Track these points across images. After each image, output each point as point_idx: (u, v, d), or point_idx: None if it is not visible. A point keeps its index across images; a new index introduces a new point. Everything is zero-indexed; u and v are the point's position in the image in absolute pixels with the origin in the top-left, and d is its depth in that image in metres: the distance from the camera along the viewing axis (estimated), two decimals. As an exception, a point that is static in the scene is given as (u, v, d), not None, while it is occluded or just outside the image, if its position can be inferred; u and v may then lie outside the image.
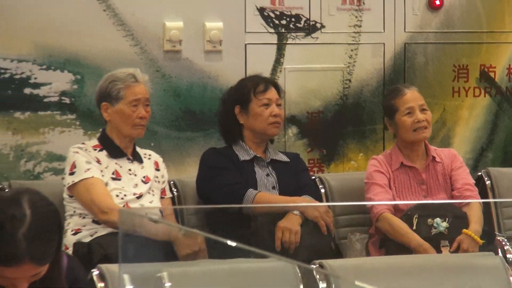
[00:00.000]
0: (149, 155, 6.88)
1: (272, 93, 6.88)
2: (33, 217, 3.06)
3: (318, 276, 5.03)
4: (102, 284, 4.77)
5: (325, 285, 4.94)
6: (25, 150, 7.80)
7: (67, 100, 7.80)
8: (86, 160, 6.44)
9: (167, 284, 4.56)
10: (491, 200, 7.35)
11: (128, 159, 6.68)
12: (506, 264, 5.69)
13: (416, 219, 6.50)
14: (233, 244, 5.13)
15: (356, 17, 8.38)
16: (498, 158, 8.92)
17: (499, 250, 6.85)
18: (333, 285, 4.93)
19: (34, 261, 3.06)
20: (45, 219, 3.20)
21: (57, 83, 7.82)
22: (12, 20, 8.02)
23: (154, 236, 5.82)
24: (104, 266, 4.95)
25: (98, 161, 6.50)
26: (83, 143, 6.77)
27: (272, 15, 8.22)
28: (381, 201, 6.71)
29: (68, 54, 7.95)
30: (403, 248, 6.47)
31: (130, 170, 6.56)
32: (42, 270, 3.17)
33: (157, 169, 6.76)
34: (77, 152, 6.53)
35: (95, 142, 6.73)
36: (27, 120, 7.91)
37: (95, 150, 6.57)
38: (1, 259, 2.96)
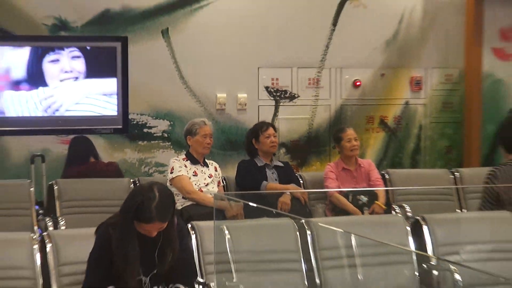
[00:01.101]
0: (211, 163, 7.83)
1: (270, 131, 7.79)
2: (159, 196, 4.19)
3: (306, 227, 5.61)
4: (192, 232, 5.28)
5: (309, 232, 5.53)
6: (144, 161, 9.20)
7: (166, 135, 9.28)
8: (179, 166, 7.38)
9: (226, 232, 5.27)
10: (389, 188, 7.95)
11: (201, 165, 7.61)
12: (404, 219, 6.35)
13: (351, 196, 7.64)
14: (256, 206, 5.51)
15: (316, 91, 9.73)
16: (389, 164, 9.80)
17: (394, 212, 7.59)
18: (314, 232, 5.54)
19: (160, 221, 4.22)
20: (165, 197, 4.37)
21: (160, 126, 9.27)
22: (135, 91, 9.10)
23: (217, 207, 7.21)
24: (193, 223, 5.55)
25: (185, 166, 7.41)
26: (177, 157, 7.84)
27: (272, 90, 9.65)
28: (332, 188, 7.74)
29: (166, 110, 9.26)
30: (345, 212, 7.55)
31: (202, 171, 7.51)
32: (164, 225, 4.31)
33: (216, 170, 7.73)
34: (174, 161, 7.51)
35: (183, 156, 7.68)
36: (145, 145, 9.27)
37: (184, 160, 7.52)
38: (142, 220, 4.17)
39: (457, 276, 5.03)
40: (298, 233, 5.48)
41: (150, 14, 9.08)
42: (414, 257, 5.57)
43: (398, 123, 10.10)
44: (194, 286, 4.80)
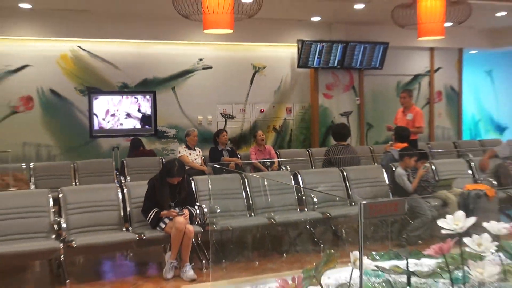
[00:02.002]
0: (197, 148, 8.60)
1: (224, 133, 8.87)
2: (177, 165, 5.45)
3: (244, 177, 6.73)
4: (192, 181, 6.01)
5: (245, 179, 6.63)
6: (165, 149, 10.70)
7: (174, 136, 10.81)
8: (182, 150, 8.35)
9: (209, 180, 6.45)
10: (280, 159, 9.04)
11: (192, 150, 8.46)
12: (289, 172, 7.46)
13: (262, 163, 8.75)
14: (220, 167, 7.71)
15: (243, 114, 11.43)
16: (278, 147, 10.84)
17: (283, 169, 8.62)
18: (246, 179, 6.65)
19: (178, 176, 5.42)
20: (180, 165, 5.58)
21: (171, 132, 10.90)
22: (159, 116, 10.69)
23: (203, 169, 8.26)
24: (192, 177, 6.17)
25: (185, 150, 8.36)
26: (181, 147, 8.75)
27: (223, 114, 11.30)
28: (253, 159, 8.75)
29: (174, 124, 10.89)
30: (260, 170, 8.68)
31: (193, 153, 8.43)
32: (180, 178, 5.45)
33: (199, 152, 8.52)
34: (180, 148, 8.55)
35: (184, 146, 8.55)
36: (165, 141, 10.83)
37: (184, 148, 8.42)
38: (170, 176, 5.37)
39: (315, 199, 6.38)
40: (240, 180, 6.52)
41: (166, 80, 10.64)
42: (294, 190, 6.63)
43: (281, 128, 11.63)
44: (194, 206, 5.68)
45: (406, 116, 8.40)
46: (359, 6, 9.53)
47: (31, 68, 9.80)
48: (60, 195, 5.60)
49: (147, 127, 10.71)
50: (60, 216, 5.51)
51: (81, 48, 10.15)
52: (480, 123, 14.55)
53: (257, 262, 5.68)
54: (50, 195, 5.58)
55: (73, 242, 5.13)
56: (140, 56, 10.41)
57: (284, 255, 6.09)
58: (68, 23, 9.58)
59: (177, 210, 5.47)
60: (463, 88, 13.19)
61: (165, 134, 10.78)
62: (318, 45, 11.27)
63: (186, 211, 5.43)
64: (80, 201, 5.63)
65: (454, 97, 13.06)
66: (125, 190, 5.87)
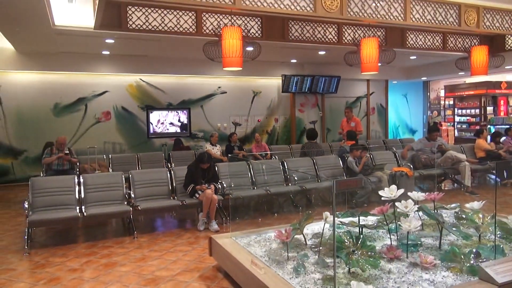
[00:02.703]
0: (217, 145, 8.33)
1: (234, 135, 8.49)
2: (206, 156, 5.32)
3: (249, 163, 6.40)
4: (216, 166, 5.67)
5: (250, 165, 6.30)
6: (195, 145, 10.40)
7: (201, 137, 10.60)
8: (208, 146, 8.14)
9: (228, 166, 6.43)
10: (271, 152, 9.21)
11: (215, 146, 8.24)
12: (278, 161, 7.16)
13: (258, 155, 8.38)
14: (232, 156, 7.85)
15: (246, 123, 11.15)
16: (269, 144, 9.93)
17: (274, 158, 8.28)
18: (251, 165, 6.32)
19: (207, 163, 5.27)
20: (208, 156, 5.44)
21: (199, 134, 10.63)
22: (193, 123, 10.53)
23: (221, 158, 8.24)
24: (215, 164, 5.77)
25: (210, 146, 8.18)
26: (207, 144, 8.49)
27: (233, 123, 10.99)
28: (254, 152, 8.29)
29: (201, 129, 10.56)
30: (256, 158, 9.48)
31: (215, 148, 8.15)
32: (208, 164, 5.29)
33: (219, 147, 8.23)
34: (206, 145, 8.35)
35: (209, 143, 8.36)
36: (196, 140, 10.61)
37: (209, 144, 8.27)
38: (202, 162, 5.24)
39: (296, 177, 6.15)
40: (247, 165, 6.34)
41: (197, 101, 10.62)
42: (282, 172, 6.38)
43: (271, 132, 11.51)
44: (217, 183, 5.48)
45: (350, 124, 8.20)
46: (321, 52, 9.28)
47: (109, 93, 9.92)
48: (130, 175, 5.48)
49: (184, 131, 10.59)
50: (130, 189, 5.39)
51: (142, 80, 10.21)
52: (399, 128, 14.69)
53: (260, 219, 5.63)
54: (123, 176, 5.46)
55: (139, 206, 5.01)
56: (180, 85, 10.38)
57: (275, 214, 5.95)
58: (133, 64, 9.62)
59: (206, 185, 5.37)
60: (388, 105, 13.18)
61: (196, 135, 10.69)
62: (295, 78, 11.34)
63: (212, 186, 5.34)
64: (143, 179, 5.52)
65: (383, 111, 13.03)
66: (172, 172, 5.73)
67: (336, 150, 7.67)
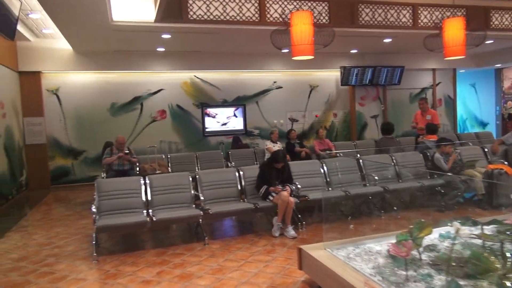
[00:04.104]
0: (278, 142, 7.82)
1: (293, 132, 8.15)
2: (281, 153, 4.97)
3: (320, 162, 6.00)
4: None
5: (320, 163, 5.98)
6: (252, 143, 9.95)
7: (257, 134, 10.17)
8: (269, 143, 7.71)
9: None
10: (335, 151, 9.25)
11: (275, 143, 7.82)
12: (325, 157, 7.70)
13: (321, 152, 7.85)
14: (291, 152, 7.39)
15: (303, 118, 10.58)
16: (332, 139, 9.06)
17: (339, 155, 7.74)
18: (324, 162, 5.99)
19: (282, 162, 4.90)
20: (283, 155, 5.05)
21: (255, 132, 10.22)
22: (248, 120, 10.09)
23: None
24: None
25: (271, 144, 7.70)
26: (268, 141, 7.98)
27: (290, 119, 10.46)
28: (317, 149, 7.87)
29: (256, 126, 10.18)
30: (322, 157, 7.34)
31: (276, 145, 7.65)
32: (283, 163, 4.87)
33: (280, 144, 7.76)
34: (266, 142, 7.86)
35: (269, 141, 7.86)
36: (251, 138, 10.12)
37: (270, 142, 7.80)
38: (276, 161, 4.83)
39: (376, 177, 5.48)
40: (319, 165, 5.68)
41: (252, 96, 10.20)
42: (359, 170, 5.75)
43: (330, 127, 10.93)
44: (292, 184, 5.01)
45: (425, 116, 7.42)
46: (387, 40, 8.52)
47: (164, 91, 9.70)
48: (197, 176, 5.10)
49: (240, 128, 10.22)
50: (197, 191, 4.99)
51: (196, 77, 9.92)
52: (467, 121, 13.58)
53: (351, 226, 4.81)
54: (189, 177, 5.04)
55: (209, 210, 4.54)
56: (235, 81, 10.02)
57: (349, 218, 5.35)
58: (187, 60, 9.35)
59: (280, 187, 4.91)
60: (456, 96, 12.10)
61: (251, 133, 10.31)
62: (355, 69, 10.71)
63: (288, 188, 4.87)
64: (210, 180, 5.14)
65: (450, 102, 12.05)
66: (240, 172, 5.30)
67: (417, 147, 6.95)
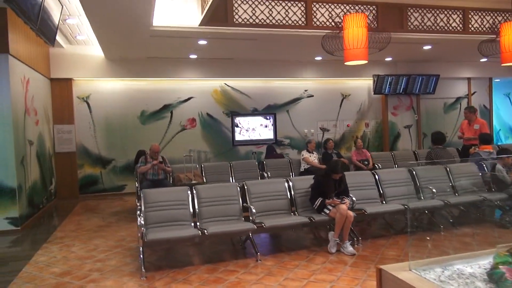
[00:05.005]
0: (314, 152, 7.51)
1: (330, 142, 7.73)
2: (340, 164, 4.51)
3: (374, 173, 6.08)
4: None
5: (375, 175, 5.80)
6: (283, 153, 9.58)
7: (287, 144, 9.96)
8: (305, 154, 7.41)
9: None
10: (371, 160, 10.11)
11: (312, 153, 7.51)
12: (372, 171, 6.48)
13: (360, 162, 7.55)
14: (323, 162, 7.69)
15: (334, 128, 10.36)
16: (368, 149, 8.85)
17: (376, 166, 7.38)
18: (378, 175, 5.79)
19: (341, 173, 4.44)
20: (343, 165, 4.57)
21: (285, 141, 9.91)
22: (278, 131, 9.85)
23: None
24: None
25: (307, 154, 7.43)
26: (304, 151, 7.57)
27: (321, 128, 10.24)
28: (354, 159, 7.60)
29: (287, 136, 9.90)
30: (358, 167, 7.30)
31: (313, 154, 7.41)
32: (341, 175, 4.46)
33: (316, 154, 7.49)
34: (303, 152, 7.50)
35: (305, 150, 7.51)
36: (281, 148, 9.85)
37: (306, 152, 7.46)
38: (335, 172, 4.46)
39: (434, 189, 5.18)
40: (372, 176, 5.39)
41: (282, 105, 9.96)
42: (412, 183, 5.42)
43: (361, 138, 10.50)
44: (349, 196, 4.68)
45: (472, 126, 7.00)
46: (427, 47, 8.16)
47: (195, 99, 9.52)
48: (246, 187, 4.82)
49: (270, 138, 9.95)
50: (244, 202, 4.70)
51: (226, 85, 9.76)
52: (500, 132, 12.92)
53: (429, 243, 4.37)
54: (238, 187, 4.74)
55: (263, 224, 4.21)
56: (265, 89, 9.82)
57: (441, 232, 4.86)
58: (218, 68, 9.18)
59: (338, 200, 4.61)
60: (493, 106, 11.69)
61: (282, 142, 10.06)
62: (389, 78, 10.41)
63: (347, 201, 4.55)
64: (259, 191, 4.86)
65: (486, 113, 11.74)
66: (290, 183, 4.99)
67: (470, 158, 6.45)
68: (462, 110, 11.02)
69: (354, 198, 4.80)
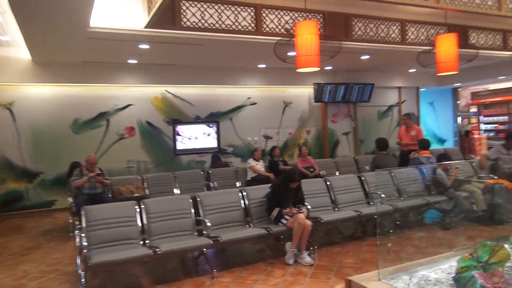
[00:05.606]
0: (261, 160, 7.60)
1: (277, 149, 7.85)
2: (297, 173, 4.54)
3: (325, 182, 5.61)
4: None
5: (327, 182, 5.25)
6: (227, 162, 9.05)
7: (231, 152, 9.70)
8: (252, 162, 7.40)
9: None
10: (316, 166, 9.80)
11: (258, 161, 7.54)
12: (323, 180, 6.44)
13: (305, 169, 7.62)
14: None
15: (277, 136, 10.33)
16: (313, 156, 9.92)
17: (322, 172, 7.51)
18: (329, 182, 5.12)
19: (298, 181, 4.53)
20: (299, 174, 4.61)
21: (229, 149, 9.71)
22: (222, 137, 9.64)
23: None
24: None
25: (254, 162, 7.40)
26: (251, 159, 7.59)
27: (264, 136, 10.21)
28: (300, 167, 7.60)
29: (230, 144, 9.83)
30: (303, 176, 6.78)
31: (259, 162, 7.42)
32: (297, 183, 4.40)
33: (263, 162, 7.53)
34: (250, 160, 7.50)
35: (252, 159, 7.54)
36: (226, 156, 9.69)
37: (252, 160, 7.47)
38: (292, 181, 4.43)
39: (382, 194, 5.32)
40: (324, 183, 5.50)
41: (226, 113, 9.71)
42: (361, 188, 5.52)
43: (303, 144, 10.38)
44: (304, 205, 4.63)
45: (409, 132, 7.37)
46: (365, 57, 8.47)
47: (133, 106, 8.96)
48: (198, 199, 4.52)
49: (213, 146, 9.72)
50: (199, 216, 4.42)
51: (167, 92, 9.31)
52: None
53: (389, 244, 4.35)
54: (190, 200, 4.34)
55: (220, 238, 3.94)
56: (208, 96, 9.52)
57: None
58: (158, 74, 8.72)
59: (295, 209, 4.56)
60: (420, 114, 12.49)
61: (225, 151, 9.82)
62: (329, 86, 10.63)
63: (304, 210, 4.48)
64: (213, 203, 4.64)
65: (415, 120, 12.05)
66: (244, 193, 4.86)
67: (411, 163, 6.72)
68: (394, 118, 11.71)
69: (309, 207, 4.71)
